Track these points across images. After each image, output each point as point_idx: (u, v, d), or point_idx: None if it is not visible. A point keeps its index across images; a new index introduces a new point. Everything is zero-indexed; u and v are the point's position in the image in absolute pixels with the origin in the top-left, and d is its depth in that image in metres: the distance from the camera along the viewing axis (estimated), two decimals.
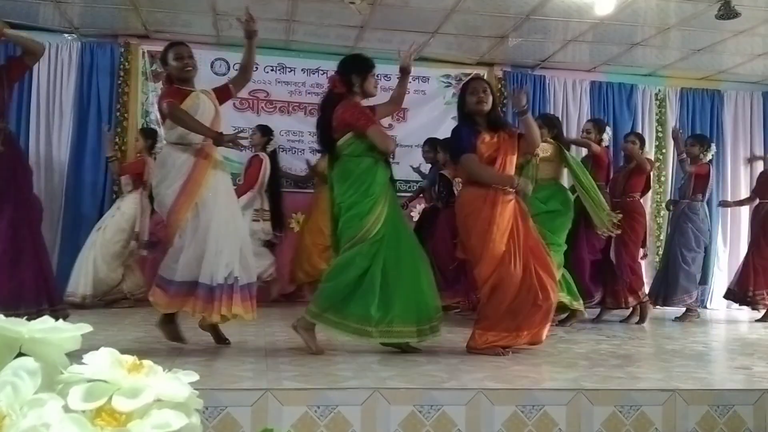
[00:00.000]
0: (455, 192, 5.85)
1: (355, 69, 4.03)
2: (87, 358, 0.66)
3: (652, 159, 7.15)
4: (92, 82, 7.10)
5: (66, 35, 7.08)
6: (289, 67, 7.58)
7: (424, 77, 7.76)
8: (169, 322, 3.87)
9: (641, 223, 6.26)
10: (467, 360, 3.73)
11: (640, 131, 8.09)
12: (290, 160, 7.48)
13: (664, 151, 8.19)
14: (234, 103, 7.38)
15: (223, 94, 4.15)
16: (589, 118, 7.70)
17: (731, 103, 8.41)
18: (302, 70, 7.59)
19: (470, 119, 4.13)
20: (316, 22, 6.78)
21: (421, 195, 7.09)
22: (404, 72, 4.29)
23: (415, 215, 7.13)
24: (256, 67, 7.41)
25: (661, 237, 8.12)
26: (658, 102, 8.28)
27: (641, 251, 6.39)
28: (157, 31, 7.12)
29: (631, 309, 6.13)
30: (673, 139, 6.77)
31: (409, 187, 7.45)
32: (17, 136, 3.69)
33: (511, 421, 2.78)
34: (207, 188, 3.81)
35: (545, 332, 4.10)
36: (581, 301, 5.54)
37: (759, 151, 8.44)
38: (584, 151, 6.48)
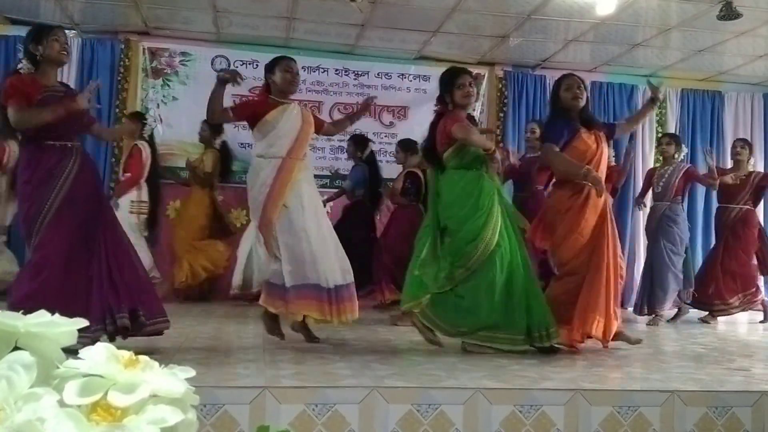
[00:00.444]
0: (422, 190, 6.04)
1: (443, 85, 4.18)
2: (83, 352, 0.66)
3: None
4: (92, 78, 7.08)
5: (66, 31, 7.06)
6: None
7: (424, 76, 7.77)
8: (273, 318, 4.03)
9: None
10: (465, 359, 3.73)
11: (640, 132, 8.12)
12: None
13: None
14: (234, 101, 7.36)
15: (318, 123, 4.39)
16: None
17: (732, 104, 8.41)
18: (303, 67, 7.52)
19: (565, 115, 4.20)
20: (316, 19, 6.78)
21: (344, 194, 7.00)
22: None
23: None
24: (256, 65, 7.49)
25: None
26: (658, 103, 8.26)
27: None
28: (157, 28, 7.12)
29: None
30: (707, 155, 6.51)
31: None
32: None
33: (509, 420, 2.78)
34: (293, 193, 3.93)
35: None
36: None
37: (759, 152, 8.42)
38: None
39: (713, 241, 6.97)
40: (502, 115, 7.96)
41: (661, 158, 6.64)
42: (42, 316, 0.68)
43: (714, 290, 6.32)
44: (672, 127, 8.22)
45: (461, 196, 4.00)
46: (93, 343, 0.68)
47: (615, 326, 4.12)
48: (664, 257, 6.15)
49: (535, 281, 4.10)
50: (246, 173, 7.44)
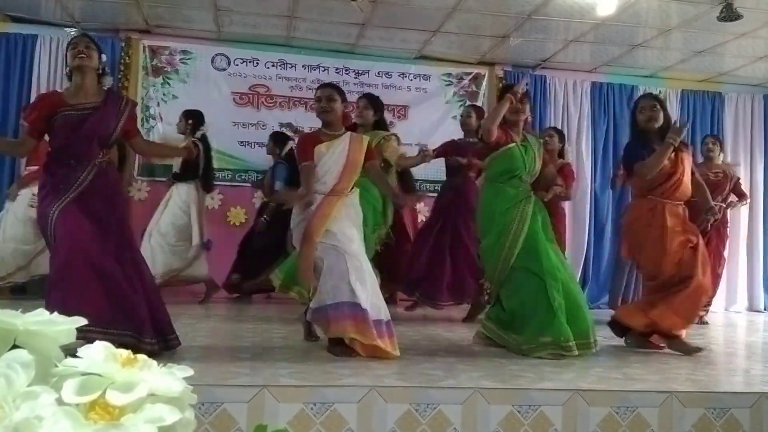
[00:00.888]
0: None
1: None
2: (81, 351, 0.66)
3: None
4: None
5: (67, 29, 7.07)
6: (290, 63, 7.57)
7: (425, 75, 7.78)
8: (339, 343, 3.69)
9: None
10: (464, 359, 3.73)
11: None
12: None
13: None
14: (234, 98, 7.39)
15: (369, 156, 4.05)
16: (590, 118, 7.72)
17: (732, 105, 8.41)
18: (303, 66, 7.59)
19: (643, 137, 4.31)
20: (317, 18, 6.78)
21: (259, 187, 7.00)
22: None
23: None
24: (257, 63, 7.50)
25: None
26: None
27: None
28: (158, 26, 7.12)
29: None
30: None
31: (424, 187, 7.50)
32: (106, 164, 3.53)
33: (507, 420, 2.78)
34: (337, 219, 3.76)
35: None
36: None
37: (760, 154, 8.42)
38: None
39: None
40: None
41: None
42: (41, 314, 0.68)
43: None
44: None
45: (482, 208, 4.13)
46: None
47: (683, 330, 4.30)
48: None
49: (575, 290, 4.09)
50: (246, 172, 7.39)
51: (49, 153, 3.50)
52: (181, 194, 6.22)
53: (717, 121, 8.34)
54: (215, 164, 7.25)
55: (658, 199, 4.28)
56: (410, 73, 7.80)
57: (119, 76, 7.13)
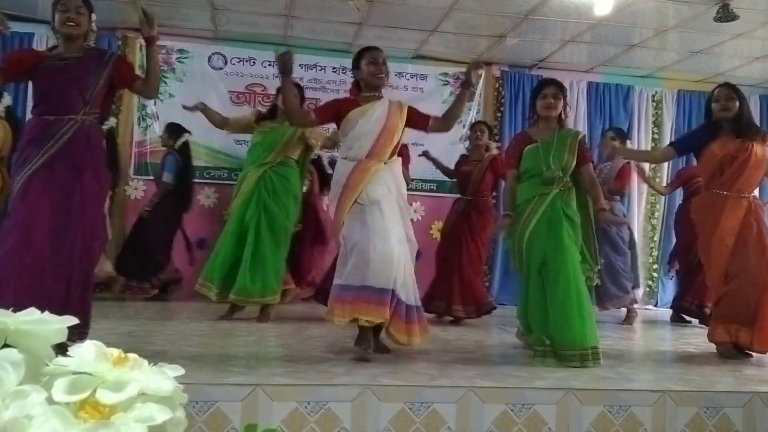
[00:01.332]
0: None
1: (531, 96, 4.20)
2: (72, 350, 0.66)
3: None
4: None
5: None
6: None
7: (422, 75, 7.79)
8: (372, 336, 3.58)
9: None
10: (458, 358, 3.74)
11: (636, 132, 8.13)
12: None
13: None
14: (231, 97, 7.39)
15: (420, 122, 3.92)
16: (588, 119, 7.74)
17: None
18: (300, 65, 7.56)
19: (715, 126, 4.34)
20: (314, 18, 6.78)
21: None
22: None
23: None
24: (253, 62, 7.50)
25: (655, 238, 8.16)
26: (654, 104, 8.28)
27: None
28: None
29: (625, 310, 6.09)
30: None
31: (420, 186, 7.48)
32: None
33: (501, 419, 2.79)
34: (369, 194, 3.57)
35: None
36: None
37: None
38: None
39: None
40: (499, 114, 7.97)
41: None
42: (32, 313, 0.69)
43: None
44: (668, 128, 8.24)
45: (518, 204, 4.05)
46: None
47: None
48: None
49: (583, 298, 3.77)
50: (241, 171, 7.41)
51: (33, 108, 3.38)
52: None
53: None
54: (212, 163, 7.29)
55: (718, 191, 4.24)
56: (407, 73, 7.80)
57: None
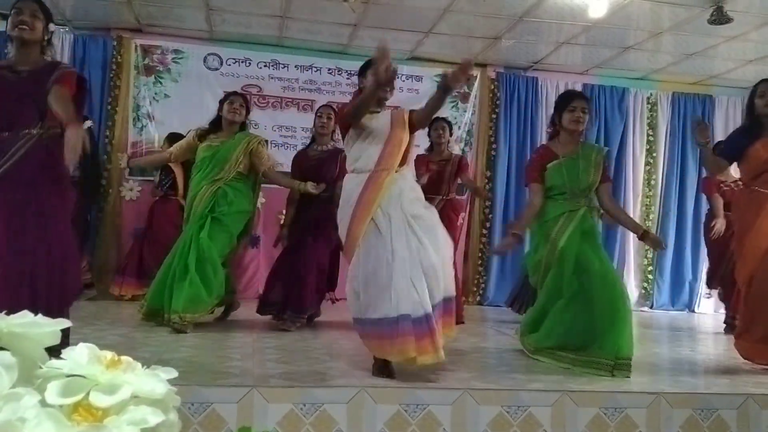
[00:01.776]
0: (178, 184, 6.39)
1: (555, 107, 4.11)
2: (65, 353, 0.66)
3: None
4: (84, 75, 7.07)
5: (58, 27, 7.04)
6: (283, 64, 7.56)
7: (417, 76, 7.80)
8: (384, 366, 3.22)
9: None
10: (454, 360, 3.73)
11: (631, 135, 8.15)
12: (284, 154, 7.44)
13: (654, 154, 8.22)
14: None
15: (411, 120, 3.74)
16: None
17: (722, 108, 8.45)
18: (296, 66, 7.58)
19: (757, 123, 4.10)
20: (309, 19, 6.78)
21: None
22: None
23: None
24: (249, 63, 7.49)
25: None
26: (649, 106, 8.31)
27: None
28: (149, 25, 7.10)
29: None
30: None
31: None
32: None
33: (497, 421, 2.79)
34: (382, 211, 3.31)
35: None
36: None
37: None
38: None
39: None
40: (494, 116, 7.97)
41: None
42: (24, 316, 0.69)
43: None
44: (663, 131, 8.26)
45: (537, 218, 4.01)
46: None
47: None
48: None
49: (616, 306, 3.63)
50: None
51: None
52: None
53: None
54: None
55: (759, 189, 4.06)
56: (402, 74, 7.78)
57: (111, 75, 7.11)
